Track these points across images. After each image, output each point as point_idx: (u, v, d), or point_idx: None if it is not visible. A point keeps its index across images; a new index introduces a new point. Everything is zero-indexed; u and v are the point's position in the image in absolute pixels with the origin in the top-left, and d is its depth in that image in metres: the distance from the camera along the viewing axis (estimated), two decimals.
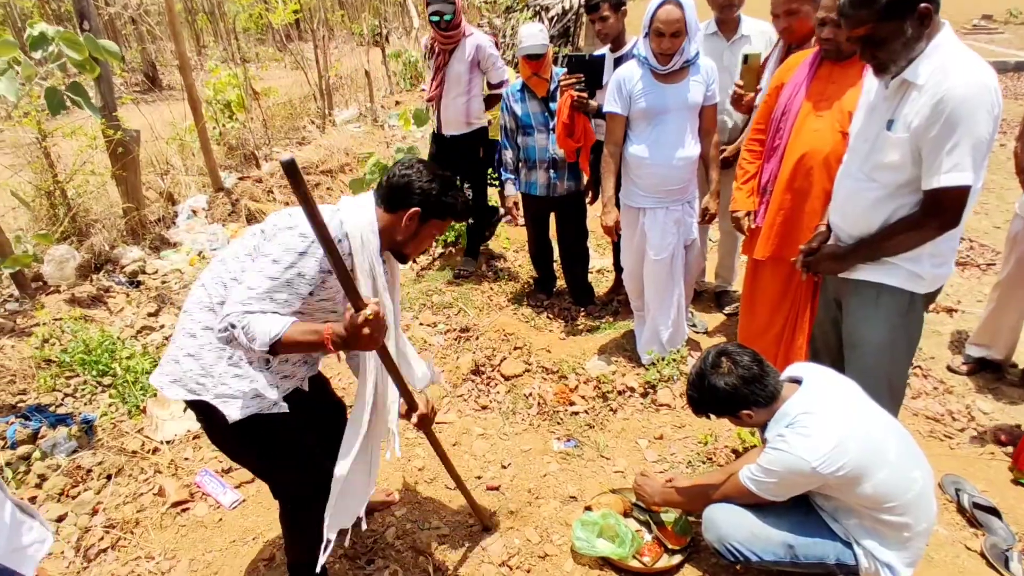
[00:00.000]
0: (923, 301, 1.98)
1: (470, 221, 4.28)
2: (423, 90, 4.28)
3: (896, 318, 1.97)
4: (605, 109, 2.89)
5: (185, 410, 2.88)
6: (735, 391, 1.74)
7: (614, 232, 3.05)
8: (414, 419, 1.91)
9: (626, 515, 2.25)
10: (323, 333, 1.46)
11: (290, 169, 1.20)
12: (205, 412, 1.66)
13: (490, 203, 4.48)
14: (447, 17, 3.56)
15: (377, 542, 2.24)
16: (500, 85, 3.95)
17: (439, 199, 1.66)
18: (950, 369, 3.11)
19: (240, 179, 5.67)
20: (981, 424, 2.73)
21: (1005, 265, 2.87)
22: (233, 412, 1.61)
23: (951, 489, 2.34)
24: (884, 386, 2.02)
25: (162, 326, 3.68)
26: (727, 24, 3.17)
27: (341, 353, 1.81)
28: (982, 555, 2.11)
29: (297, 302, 1.56)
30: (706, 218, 3.04)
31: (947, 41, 1.70)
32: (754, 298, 2.78)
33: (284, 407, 1.69)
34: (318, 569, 1.88)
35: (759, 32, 3.16)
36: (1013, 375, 3.02)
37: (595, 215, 3.98)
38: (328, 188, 5.81)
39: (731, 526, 1.85)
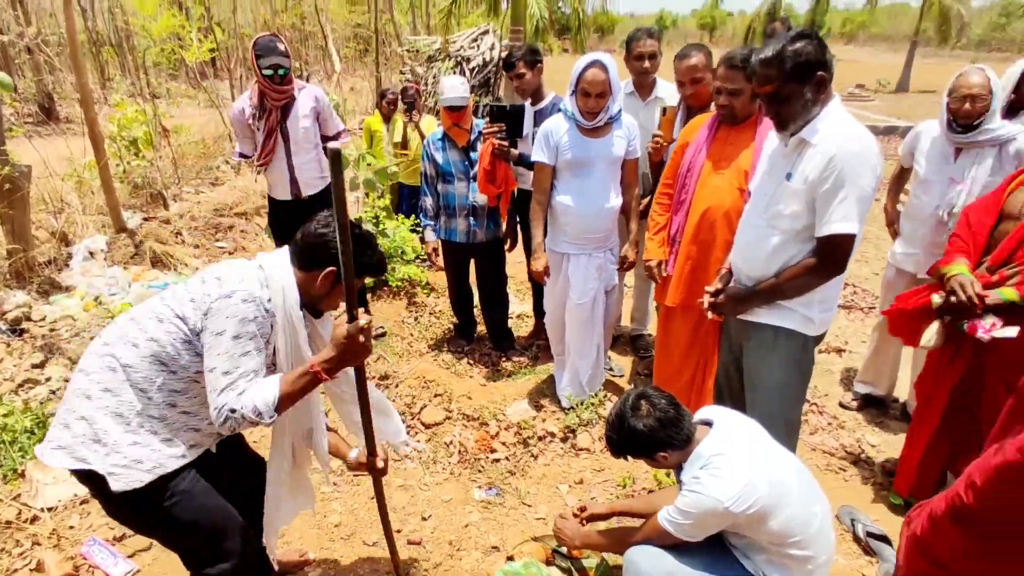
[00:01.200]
0: (813, 343, 2.15)
1: None
2: (242, 157, 3.70)
3: (791, 359, 2.13)
4: (533, 159, 3.00)
5: None
6: (653, 433, 1.80)
7: (543, 277, 3.12)
8: (379, 463, 1.94)
9: (548, 563, 2.25)
10: (312, 368, 1.51)
11: (335, 158, 1.31)
12: (98, 483, 1.53)
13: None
14: (282, 72, 3.31)
15: None
16: (337, 136, 3.76)
17: (357, 259, 1.60)
18: (842, 405, 3.36)
19: (145, 219, 5.38)
20: (870, 456, 2.96)
21: (881, 308, 3.17)
22: (121, 483, 1.51)
23: (847, 520, 2.51)
24: (781, 423, 2.15)
25: (48, 379, 3.36)
26: (643, 87, 3.39)
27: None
28: None
29: (263, 360, 1.57)
30: (625, 266, 3.17)
31: (837, 109, 1.93)
32: (667, 343, 2.91)
33: (181, 462, 1.61)
34: None
35: (672, 94, 3.40)
36: (895, 409, 3.30)
37: (514, 261, 4.06)
38: (242, 231, 5.61)
39: (650, 568, 1.88)
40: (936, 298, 2.18)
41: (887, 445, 3.04)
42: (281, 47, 3.30)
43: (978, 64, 2.72)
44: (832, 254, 1.95)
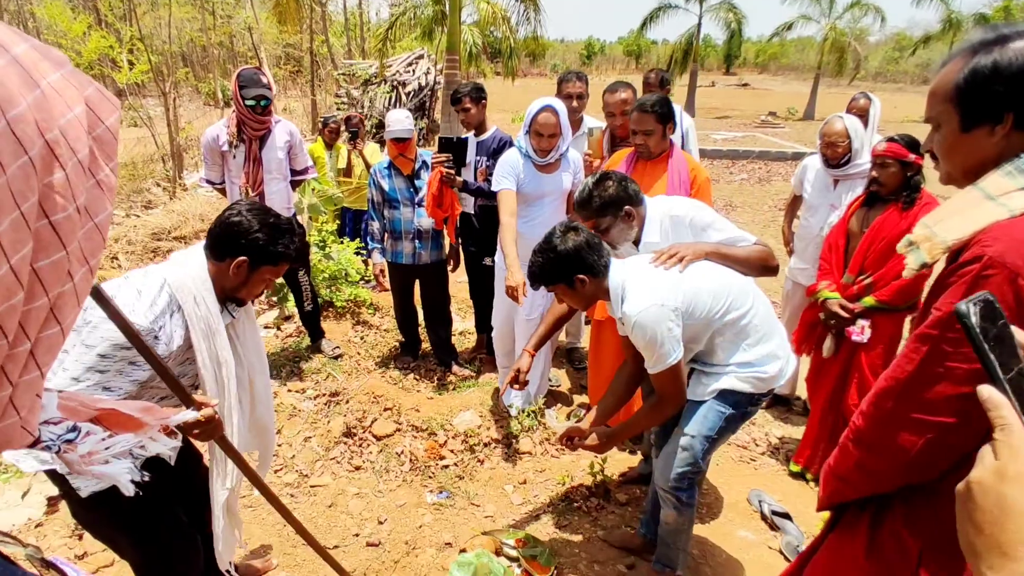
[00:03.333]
0: None
1: (307, 308, 4.10)
2: (208, 184, 3.82)
3: None
4: (498, 188, 3.16)
5: (24, 495, 2.67)
6: (579, 252, 1.97)
7: (519, 291, 3.01)
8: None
9: (497, 553, 2.48)
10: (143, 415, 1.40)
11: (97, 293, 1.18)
12: (63, 482, 1.61)
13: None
14: (264, 103, 3.44)
15: None
16: (305, 171, 3.92)
17: (266, 248, 1.65)
18: None
19: None
20: (776, 447, 3.37)
21: (782, 318, 3.63)
22: (83, 485, 1.58)
23: (755, 501, 2.87)
24: None
25: None
26: (572, 123, 3.74)
27: None
28: (781, 552, 2.61)
29: (132, 387, 1.55)
30: None
31: (656, 206, 2.33)
32: (599, 353, 3.23)
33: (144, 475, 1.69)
34: None
35: (598, 128, 3.79)
36: (797, 406, 3.75)
37: (456, 281, 4.31)
38: None
39: (666, 466, 2.13)
40: (821, 314, 2.65)
41: (789, 437, 3.46)
42: (264, 79, 3.46)
43: (838, 112, 3.22)
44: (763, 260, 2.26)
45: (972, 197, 1.06)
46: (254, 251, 1.64)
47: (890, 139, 2.59)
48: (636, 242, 2.34)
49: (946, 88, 1.08)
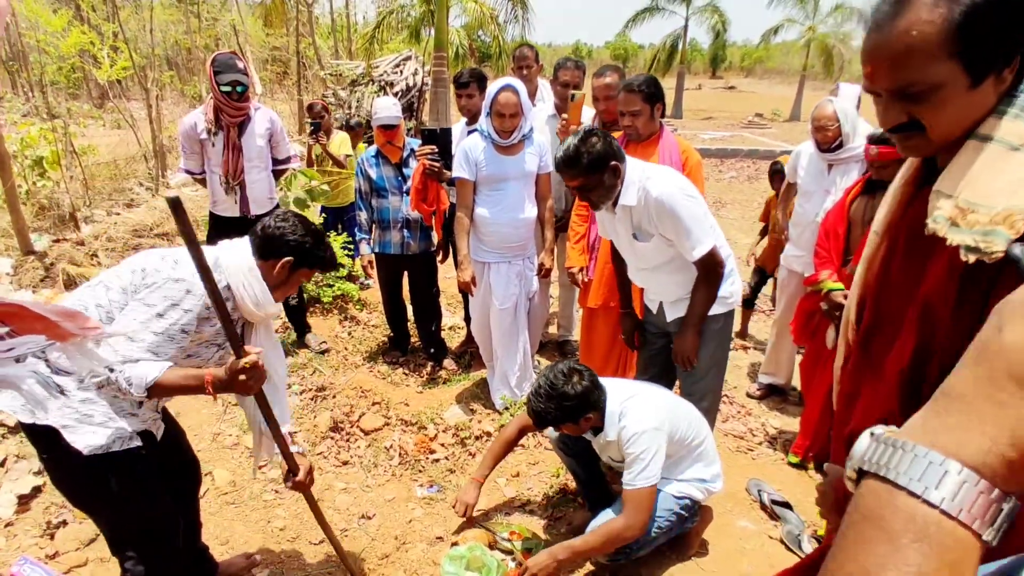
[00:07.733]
0: (731, 317, 2.49)
1: (293, 303, 4.04)
2: (187, 173, 3.68)
3: (717, 335, 2.45)
4: (455, 175, 3.18)
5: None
6: (588, 395, 2.06)
7: (471, 287, 3.24)
8: (290, 484, 1.94)
9: (491, 547, 2.39)
10: (204, 378, 1.54)
11: (176, 206, 1.26)
12: (48, 443, 1.57)
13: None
14: (240, 88, 3.35)
15: None
16: (288, 160, 3.82)
17: (312, 251, 1.80)
18: (748, 395, 3.72)
19: (55, 241, 5.14)
20: (773, 437, 3.31)
21: (778, 307, 3.58)
22: (83, 440, 1.55)
23: (755, 491, 2.80)
24: (710, 396, 2.51)
25: None
26: (565, 111, 3.65)
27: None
28: (781, 541, 2.54)
29: (177, 352, 1.61)
30: (542, 272, 3.39)
31: (634, 168, 2.26)
32: (591, 342, 3.16)
33: (138, 442, 1.67)
34: None
35: (589, 116, 3.69)
36: (793, 396, 3.69)
37: (444, 276, 4.22)
38: None
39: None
40: (824, 305, 2.59)
41: (786, 426, 3.40)
42: (240, 64, 3.33)
43: (829, 96, 3.18)
44: (708, 268, 2.27)
45: (992, 152, 0.87)
46: (299, 253, 1.77)
47: (877, 141, 2.51)
48: (614, 203, 2.28)
49: (934, 40, 0.84)
